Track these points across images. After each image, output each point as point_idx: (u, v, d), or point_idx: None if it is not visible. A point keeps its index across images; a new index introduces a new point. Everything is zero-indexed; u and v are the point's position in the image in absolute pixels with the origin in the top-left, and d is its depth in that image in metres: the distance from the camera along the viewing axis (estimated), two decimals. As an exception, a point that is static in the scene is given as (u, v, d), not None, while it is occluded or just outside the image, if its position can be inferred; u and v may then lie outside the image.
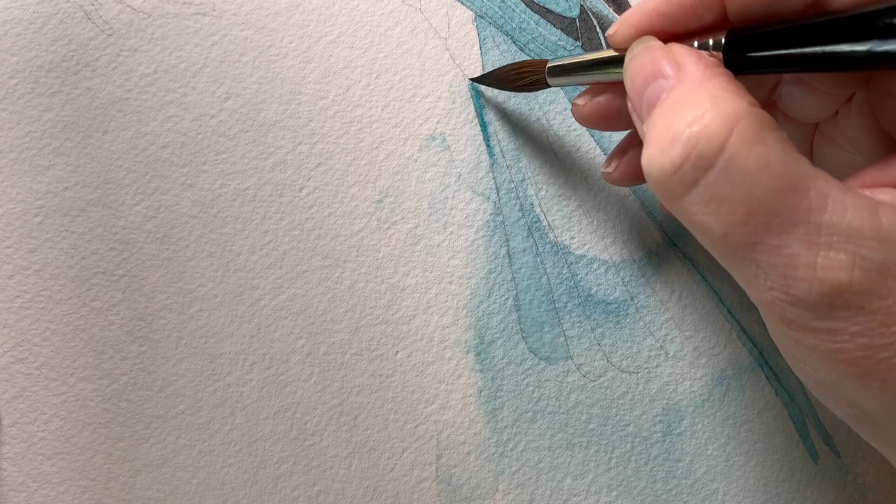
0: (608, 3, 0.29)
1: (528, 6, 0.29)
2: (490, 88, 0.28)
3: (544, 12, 0.29)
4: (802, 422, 0.27)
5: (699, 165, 0.18)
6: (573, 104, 0.25)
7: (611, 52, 0.22)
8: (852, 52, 0.17)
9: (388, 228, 0.28)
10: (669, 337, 0.28)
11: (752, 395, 0.27)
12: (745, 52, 0.19)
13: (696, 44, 0.20)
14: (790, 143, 0.18)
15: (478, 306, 0.28)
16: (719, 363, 0.28)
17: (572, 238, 0.28)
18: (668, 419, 0.27)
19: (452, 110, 0.28)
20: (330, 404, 0.27)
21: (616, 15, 0.29)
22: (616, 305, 0.28)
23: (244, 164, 0.28)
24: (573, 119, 0.28)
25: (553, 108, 0.28)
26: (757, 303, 0.19)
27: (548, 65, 0.24)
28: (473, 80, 0.28)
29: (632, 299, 0.28)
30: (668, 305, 0.28)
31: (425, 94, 0.28)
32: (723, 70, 0.19)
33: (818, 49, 0.18)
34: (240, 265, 0.27)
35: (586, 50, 0.29)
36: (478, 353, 0.27)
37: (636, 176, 0.25)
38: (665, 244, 0.28)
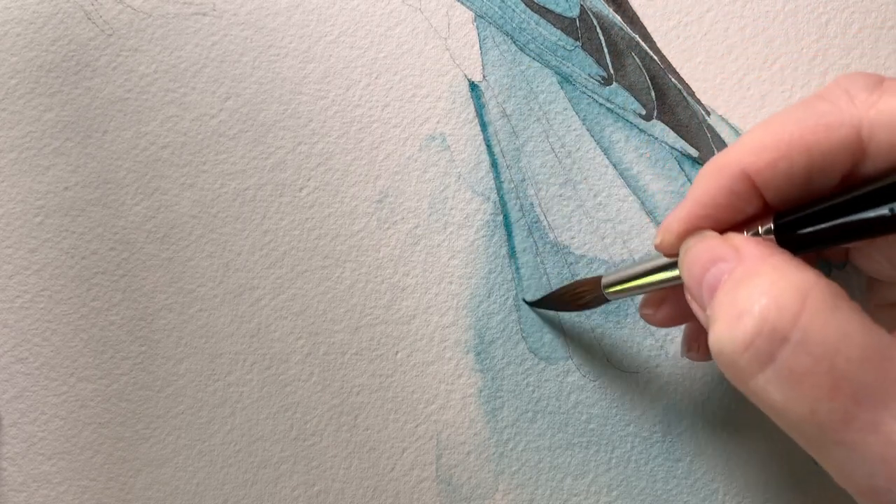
0: (608, 3, 0.29)
1: (528, 6, 0.29)
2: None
3: (544, 12, 0.29)
4: (802, 422, 0.27)
5: (774, 338, 0.17)
6: (642, 314, 0.25)
7: (663, 259, 0.22)
8: None
9: (388, 228, 0.28)
10: (669, 337, 0.28)
11: (752, 395, 0.27)
12: (795, 232, 0.19)
13: (745, 233, 0.20)
14: (864, 313, 0.17)
15: (478, 306, 0.28)
16: (719, 363, 0.28)
17: (572, 238, 0.28)
18: (668, 419, 0.27)
19: (452, 110, 0.28)
20: (330, 404, 0.27)
21: (616, 15, 0.29)
22: (616, 305, 0.28)
23: (244, 164, 0.28)
24: (573, 119, 0.28)
25: (553, 107, 0.28)
26: (853, 490, 0.17)
27: (602, 281, 0.24)
28: (530, 304, 0.27)
29: (632, 299, 0.28)
30: (668, 305, 0.28)
31: (425, 94, 0.28)
32: (782, 249, 0.19)
33: (871, 214, 0.18)
34: (240, 265, 0.27)
35: (586, 51, 0.29)
36: (478, 353, 0.27)
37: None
38: (665, 244, 0.28)
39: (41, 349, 0.27)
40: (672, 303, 0.24)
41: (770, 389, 0.17)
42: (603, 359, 0.27)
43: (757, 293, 0.17)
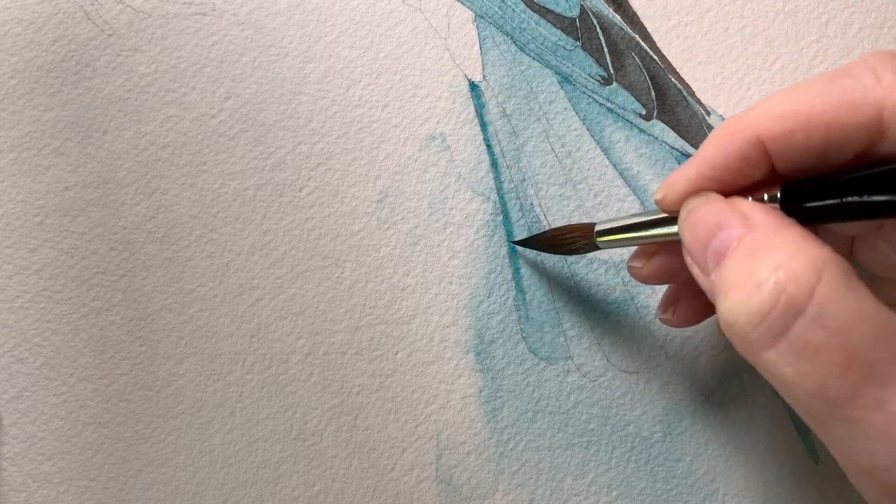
0: (608, 3, 0.29)
1: (528, 6, 0.29)
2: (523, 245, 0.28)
3: (544, 12, 0.29)
4: (802, 422, 0.27)
5: (789, 311, 0.17)
6: (629, 266, 0.25)
7: (660, 213, 0.22)
8: None
9: (388, 228, 0.28)
10: (669, 337, 0.28)
11: (752, 395, 0.27)
12: (802, 204, 0.19)
13: (749, 199, 0.20)
14: (873, 293, 0.17)
15: (478, 306, 0.28)
16: (719, 363, 0.28)
17: (572, 238, 0.28)
18: (668, 419, 0.27)
19: (452, 110, 0.28)
20: (330, 404, 0.27)
21: (616, 15, 0.29)
22: (616, 305, 0.28)
23: (244, 164, 0.28)
24: (573, 119, 0.28)
25: (553, 107, 0.28)
26: (853, 468, 0.17)
27: (595, 228, 0.24)
28: (515, 242, 0.27)
29: (632, 299, 0.28)
30: (668, 305, 0.28)
31: (425, 94, 0.28)
32: (793, 220, 0.19)
33: (882, 197, 0.18)
34: (240, 265, 0.27)
35: (586, 51, 0.29)
36: (478, 353, 0.27)
37: (696, 319, 0.25)
38: (665, 244, 0.28)
39: (41, 349, 0.27)
40: (662, 259, 0.24)
41: (780, 363, 0.17)
42: (603, 359, 0.27)
43: (773, 265, 0.17)
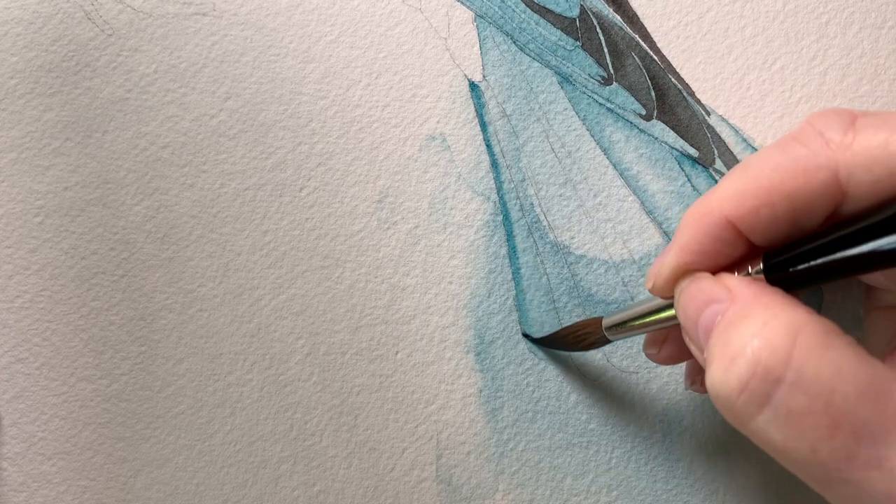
0: (608, 3, 0.29)
1: (528, 6, 0.29)
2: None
3: (544, 12, 0.29)
4: (802, 422, 0.28)
5: (768, 380, 0.17)
6: (646, 354, 0.25)
7: (661, 300, 0.22)
8: (886, 247, 0.17)
9: (388, 228, 0.28)
10: (669, 337, 0.28)
11: (752, 395, 0.27)
12: (785, 271, 0.19)
13: (737, 274, 0.20)
14: (859, 347, 0.17)
15: (478, 306, 0.28)
16: (719, 363, 0.28)
17: (572, 238, 0.28)
18: (668, 419, 0.27)
19: (452, 110, 0.28)
20: (330, 404, 0.27)
21: (616, 15, 0.29)
22: (616, 305, 0.28)
23: (244, 164, 0.28)
24: (573, 119, 0.28)
25: (553, 107, 0.28)
26: None
27: (603, 323, 0.25)
28: (534, 340, 0.27)
29: (632, 299, 0.28)
30: (668, 305, 0.28)
31: (425, 94, 0.28)
32: (774, 288, 0.19)
33: (855, 251, 0.18)
34: (240, 265, 0.27)
35: (586, 51, 0.29)
36: (478, 353, 0.27)
37: (682, 359, 0.25)
38: (665, 244, 0.28)
39: (41, 349, 0.27)
40: (674, 342, 0.24)
41: (770, 430, 0.17)
42: (603, 359, 0.27)
43: (748, 334, 0.17)
